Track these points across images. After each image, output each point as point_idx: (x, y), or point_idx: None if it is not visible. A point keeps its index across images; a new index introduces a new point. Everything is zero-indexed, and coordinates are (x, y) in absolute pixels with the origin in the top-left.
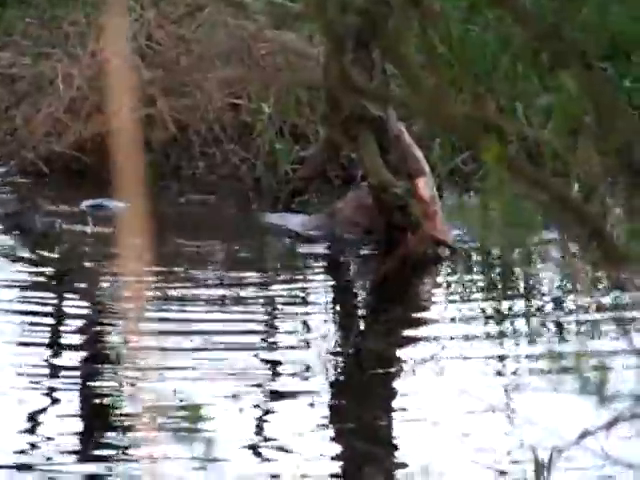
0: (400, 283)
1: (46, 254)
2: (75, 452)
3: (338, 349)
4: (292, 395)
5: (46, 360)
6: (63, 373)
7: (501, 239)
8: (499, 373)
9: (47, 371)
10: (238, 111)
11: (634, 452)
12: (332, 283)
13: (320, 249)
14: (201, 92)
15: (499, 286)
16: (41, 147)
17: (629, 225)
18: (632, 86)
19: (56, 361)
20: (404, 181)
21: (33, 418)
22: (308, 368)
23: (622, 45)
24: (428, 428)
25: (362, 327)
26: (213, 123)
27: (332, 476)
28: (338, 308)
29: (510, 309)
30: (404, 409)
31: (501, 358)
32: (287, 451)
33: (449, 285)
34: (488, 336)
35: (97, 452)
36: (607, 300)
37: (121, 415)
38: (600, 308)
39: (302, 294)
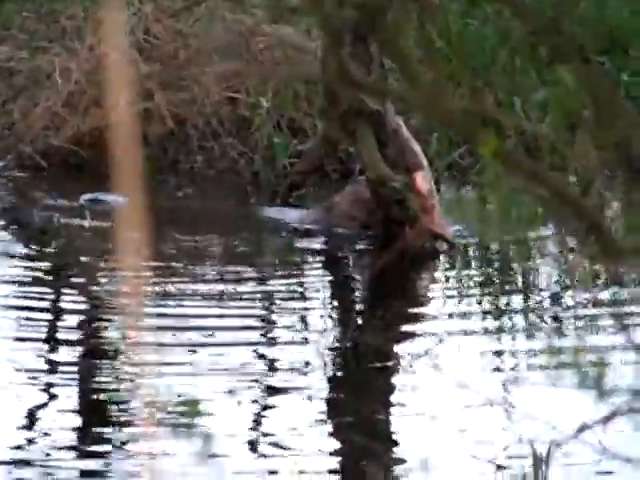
0: (398, 277)
1: (44, 249)
2: (73, 448)
3: (336, 344)
4: (290, 390)
5: (44, 356)
6: (61, 369)
7: (499, 233)
8: (497, 368)
9: (45, 366)
10: (236, 105)
11: (632, 446)
12: (330, 278)
13: (318, 243)
14: (199, 86)
15: (497, 281)
16: (39, 141)
17: (627, 219)
18: (630, 80)
19: (54, 356)
20: (402, 175)
21: (31, 413)
22: (306, 363)
23: (620, 39)
24: (426, 422)
25: (360, 322)
26: (211, 117)
27: (330, 472)
28: (336, 303)
29: (508, 304)
30: (402, 403)
31: (499, 353)
32: (285, 447)
33: (447, 279)
34: (486, 331)
35: (95, 448)
36: (605, 295)
37: (119, 411)
38: (597, 303)
39: (300, 289)
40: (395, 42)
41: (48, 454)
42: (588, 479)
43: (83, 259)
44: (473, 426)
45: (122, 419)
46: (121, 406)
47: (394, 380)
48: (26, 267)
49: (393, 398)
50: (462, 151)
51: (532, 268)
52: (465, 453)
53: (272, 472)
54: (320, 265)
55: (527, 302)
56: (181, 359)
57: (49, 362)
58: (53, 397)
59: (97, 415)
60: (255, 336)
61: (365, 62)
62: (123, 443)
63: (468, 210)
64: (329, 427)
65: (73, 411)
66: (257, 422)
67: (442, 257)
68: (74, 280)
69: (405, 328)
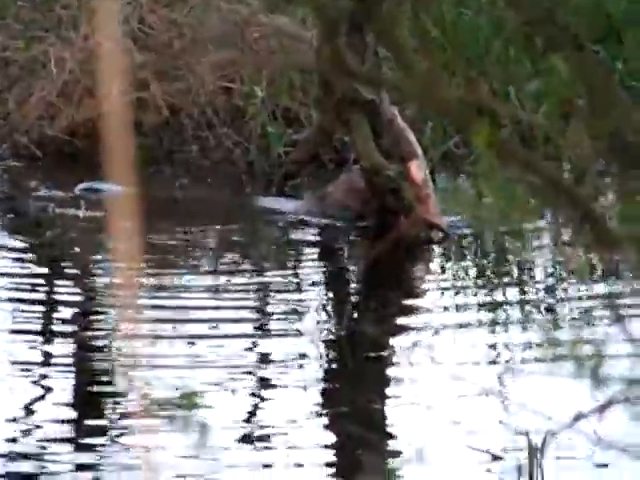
0: (393, 267)
1: (38, 239)
2: (67, 440)
3: (331, 335)
4: (285, 382)
5: (38, 348)
6: (55, 361)
7: (494, 224)
8: (493, 358)
9: (39, 359)
10: (231, 95)
11: (627, 435)
12: (324, 268)
13: (312, 233)
14: (194, 76)
15: (492, 272)
16: (34, 131)
17: (622, 208)
18: (625, 68)
19: (48, 349)
20: (396, 164)
21: (25, 406)
22: (301, 355)
23: (616, 26)
24: (422, 413)
25: (355, 313)
26: (206, 107)
27: (327, 465)
28: (331, 294)
29: (504, 294)
30: (398, 394)
31: (494, 343)
32: (280, 439)
33: (442, 269)
34: (481, 323)
35: (89, 440)
36: (601, 287)
37: (114, 403)
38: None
39: (295, 280)
40: (390, 32)
41: (43, 447)
42: (584, 472)
43: (77, 250)
44: (468, 417)
45: (116, 412)
46: (116, 399)
47: (389, 371)
48: (20, 258)
49: (388, 388)
50: (457, 140)
51: (527, 259)
52: (460, 443)
53: (266, 465)
54: (314, 255)
55: (522, 294)
56: (176, 351)
57: (43, 354)
58: (47, 390)
59: (91, 408)
60: (250, 328)
61: (360, 51)
62: (118, 436)
63: (463, 200)
64: (325, 418)
65: (67, 404)
66: (252, 414)
67: (437, 246)
68: (68, 271)
69: (400, 319)
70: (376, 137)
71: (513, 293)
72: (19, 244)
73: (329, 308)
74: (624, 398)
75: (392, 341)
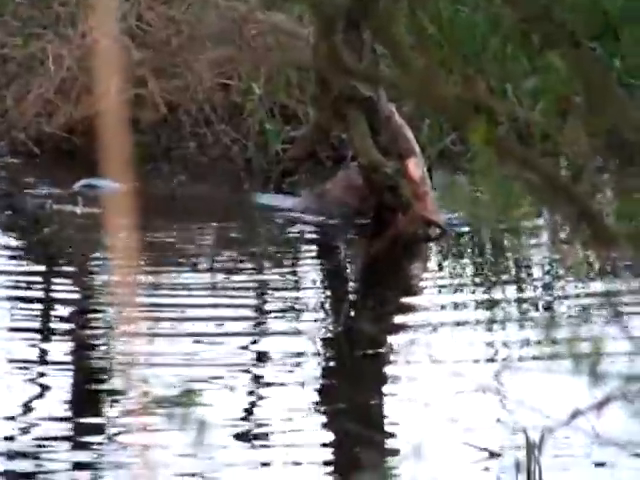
0: (390, 264)
1: (36, 236)
2: (65, 439)
3: (329, 333)
4: (283, 379)
5: (36, 346)
6: (53, 359)
7: (491, 221)
8: (490, 356)
9: (37, 357)
10: (228, 92)
11: (625, 432)
12: (322, 266)
13: (310, 230)
14: (191, 73)
15: (489, 269)
16: (32, 128)
17: (619, 205)
18: (622, 65)
19: (46, 346)
20: (394, 161)
21: (22, 404)
22: (299, 352)
23: (613, 24)
24: (419, 410)
25: (353, 310)
26: (203, 104)
27: (325, 463)
28: (329, 291)
29: (502, 292)
30: (395, 391)
31: (492, 341)
32: (278, 437)
33: (440, 267)
34: (478, 322)
35: (87, 439)
36: (598, 285)
37: (111, 402)
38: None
39: (292, 277)
40: (387, 29)
41: (40, 445)
42: (582, 469)
43: (75, 247)
44: (466, 414)
45: (115, 410)
46: (114, 397)
47: (387, 367)
48: (17, 256)
49: (386, 386)
50: (454, 138)
51: (525, 256)
52: (458, 440)
53: (264, 464)
54: (312, 253)
55: (520, 291)
56: (174, 350)
57: (41, 352)
58: (45, 388)
59: (89, 406)
60: (248, 326)
61: (357, 49)
62: (115, 434)
63: (460, 197)
64: (322, 416)
65: (65, 402)
66: (250, 412)
67: (434, 243)
68: (66, 269)
69: (398, 317)
70: (374, 134)
71: (511, 290)
72: (16, 242)
73: (327, 306)
74: (622, 395)
75: (390, 337)
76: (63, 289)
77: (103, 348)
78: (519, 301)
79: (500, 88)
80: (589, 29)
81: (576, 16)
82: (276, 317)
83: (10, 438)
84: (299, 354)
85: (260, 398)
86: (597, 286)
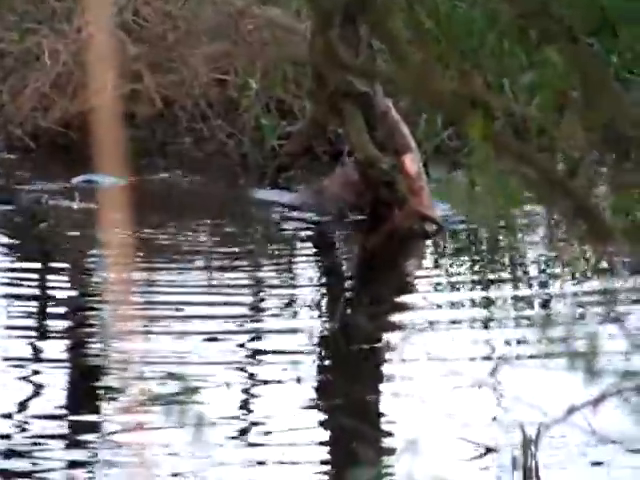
0: (387, 261)
1: (31, 232)
2: (60, 437)
3: (325, 330)
4: (279, 377)
5: (31, 343)
6: (48, 357)
7: (488, 217)
8: (486, 353)
9: (32, 355)
10: (224, 87)
11: (621, 428)
12: (319, 262)
13: (307, 227)
14: (187, 68)
15: (485, 266)
16: (28, 123)
17: (615, 200)
18: (619, 61)
19: (41, 344)
20: (390, 157)
21: (17, 403)
22: (295, 350)
23: (610, 19)
24: (416, 405)
25: (349, 307)
26: (199, 99)
27: (322, 463)
28: (325, 287)
29: (498, 289)
30: (392, 387)
31: (488, 339)
32: (274, 436)
33: (436, 264)
34: (474, 320)
35: (83, 437)
36: (595, 283)
37: (107, 400)
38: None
39: (289, 274)
40: (384, 23)
41: (35, 443)
42: (579, 468)
43: (72, 243)
44: (462, 410)
45: (110, 408)
46: (109, 395)
47: (384, 365)
48: (12, 253)
49: (382, 383)
50: (450, 133)
51: (521, 253)
52: (455, 435)
53: (260, 463)
54: (309, 248)
55: (516, 288)
56: (170, 347)
57: (36, 350)
58: (40, 386)
59: (85, 404)
60: (244, 323)
61: (354, 44)
62: (111, 433)
63: (456, 192)
64: (319, 412)
65: (60, 400)
66: (246, 409)
67: (430, 239)
68: (61, 266)
69: (394, 313)
70: (370, 129)
71: (507, 288)
72: (11, 238)
73: (323, 303)
74: (617, 391)
75: (386, 336)
76: (59, 286)
77: (99, 346)
78: (515, 299)
79: (497, 83)
80: (586, 24)
81: (573, 11)
82: (272, 315)
83: (6, 436)
84: (295, 352)
85: (256, 396)
86: (594, 284)
